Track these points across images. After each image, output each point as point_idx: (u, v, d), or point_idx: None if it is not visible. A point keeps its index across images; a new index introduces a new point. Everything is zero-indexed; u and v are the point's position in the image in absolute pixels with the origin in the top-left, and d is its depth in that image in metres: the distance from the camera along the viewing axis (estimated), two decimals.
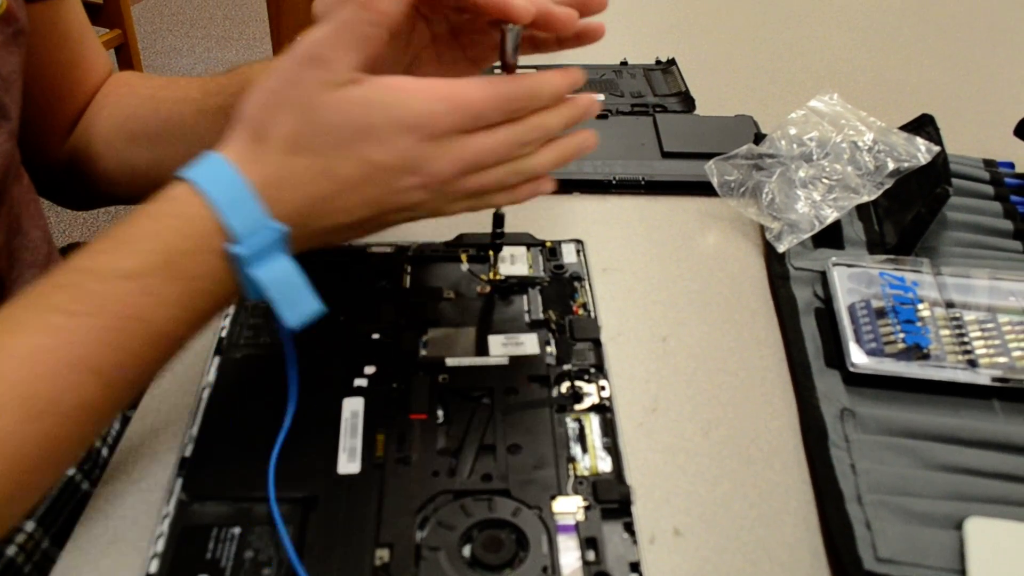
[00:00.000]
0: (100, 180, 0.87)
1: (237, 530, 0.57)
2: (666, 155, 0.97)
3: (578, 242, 0.82)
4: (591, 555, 0.56)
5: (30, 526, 0.71)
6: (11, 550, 0.70)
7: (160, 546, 0.56)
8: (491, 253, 0.78)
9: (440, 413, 0.65)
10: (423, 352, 0.70)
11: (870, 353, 0.69)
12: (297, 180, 0.57)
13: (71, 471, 0.76)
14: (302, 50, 0.57)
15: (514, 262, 0.78)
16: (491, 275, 0.77)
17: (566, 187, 0.93)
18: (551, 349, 0.70)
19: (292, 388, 0.63)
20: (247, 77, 0.79)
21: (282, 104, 0.58)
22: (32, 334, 0.53)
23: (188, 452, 0.62)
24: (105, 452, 0.80)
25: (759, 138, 0.93)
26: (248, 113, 0.59)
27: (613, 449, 0.62)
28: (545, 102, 0.61)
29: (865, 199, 0.83)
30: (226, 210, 0.56)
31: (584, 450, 0.62)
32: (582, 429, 0.64)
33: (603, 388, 0.67)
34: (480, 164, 0.59)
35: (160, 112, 0.84)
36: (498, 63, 0.63)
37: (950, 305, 0.73)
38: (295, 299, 0.58)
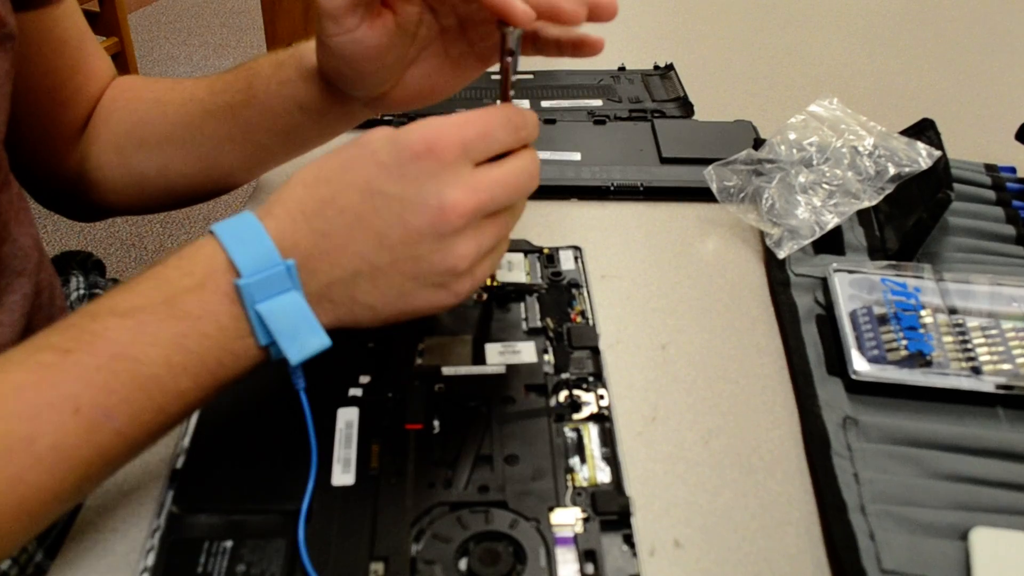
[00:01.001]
0: (107, 189, 0.86)
1: (229, 543, 0.56)
2: (665, 161, 0.96)
3: (576, 249, 0.82)
4: (590, 568, 0.55)
5: None
6: (4, 564, 0.69)
7: (151, 560, 0.55)
8: None
9: (436, 423, 0.64)
10: (419, 361, 0.69)
11: (872, 360, 0.69)
12: (306, 213, 0.56)
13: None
14: None
15: (511, 269, 0.77)
16: (488, 282, 0.76)
17: (564, 193, 0.92)
18: (549, 357, 0.69)
19: (312, 442, 0.60)
20: (253, 72, 0.79)
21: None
22: (18, 371, 0.51)
23: (179, 464, 0.61)
24: None
25: (758, 143, 0.92)
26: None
27: (612, 459, 0.62)
28: (532, 130, 0.60)
29: (866, 204, 0.82)
30: (233, 246, 0.54)
31: (583, 460, 0.61)
32: (580, 439, 0.63)
33: (602, 397, 0.66)
34: (496, 202, 0.57)
35: (168, 115, 0.83)
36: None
37: (953, 311, 0.73)
38: (299, 332, 0.55)
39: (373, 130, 0.57)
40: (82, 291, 0.97)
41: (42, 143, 0.84)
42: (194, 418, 0.64)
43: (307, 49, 0.74)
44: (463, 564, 0.55)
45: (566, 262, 0.80)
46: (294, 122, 0.78)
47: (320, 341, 0.56)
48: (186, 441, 0.63)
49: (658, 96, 1.10)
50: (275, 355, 0.56)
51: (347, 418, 0.64)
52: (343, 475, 0.60)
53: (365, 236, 0.55)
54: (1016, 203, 0.89)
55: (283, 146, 0.82)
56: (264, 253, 0.54)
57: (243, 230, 0.55)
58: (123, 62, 3.04)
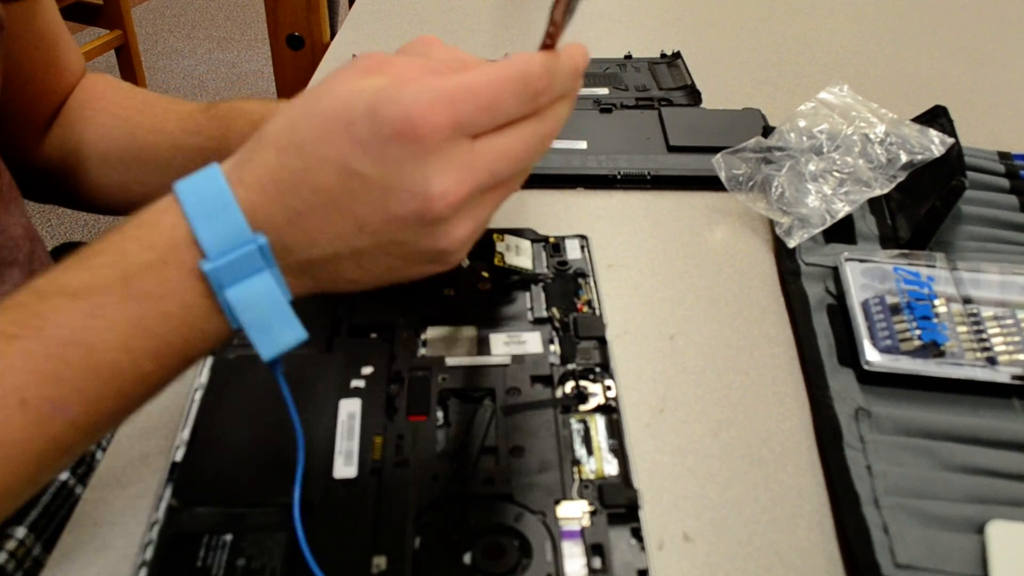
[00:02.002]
0: (84, 189, 0.86)
1: (229, 537, 0.55)
2: (672, 149, 0.95)
3: (582, 238, 0.81)
4: (597, 562, 0.54)
5: (21, 532, 0.69)
6: (1, 557, 0.68)
7: (149, 554, 0.54)
8: (494, 237, 0.77)
9: (440, 415, 0.63)
10: (422, 351, 0.68)
11: (885, 351, 0.67)
12: (279, 185, 0.49)
13: (64, 475, 0.74)
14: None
15: (519, 253, 0.76)
16: (494, 260, 0.75)
17: (570, 182, 0.91)
18: (555, 348, 0.69)
19: (297, 427, 0.55)
20: (227, 125, 0.78)
21: (304, 92, 0.52)
22: None
23: (178, 456, 0.60)
24: (100, 455, 0.79)
25: (767, 131, 0.91)
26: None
27: (620, 451, 0.61)
28: (565, 86, 0.51)
29: (877, 192, 0.81)
30: (198, 220, 0.48)
31: (589, 452, 0.60)
32: (587, 431, 0.62)
33: (609, 388, 0.65)
34: (497, 178, 0.50)
35: (136, 139, 0.82)
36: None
37: (967, 301, 0.71)
38: (272, 324, 0.49)
39: (353, 87, 0.49)
40: None
41: (11, 134, 0.83)
42: (193, 410, 0.63)
43: None
44: (467, 558, 0.54)
45: (572, 251, 0.79)
46: None
47: (295, 334, 0.50)
48: (185, 434, 0.61)
49: (665, 84, 1.09)
50: (234, 324, 0.50)
51: (349, 409, 0.63)
52: (345, 467, 0.59)
53: (343, 220, 0.49)
54: None
55: None
56: (233, 228, 0.48)
57: (210, 197, 0.48)
58: (127, 56, 3.04)
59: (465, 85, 0.47)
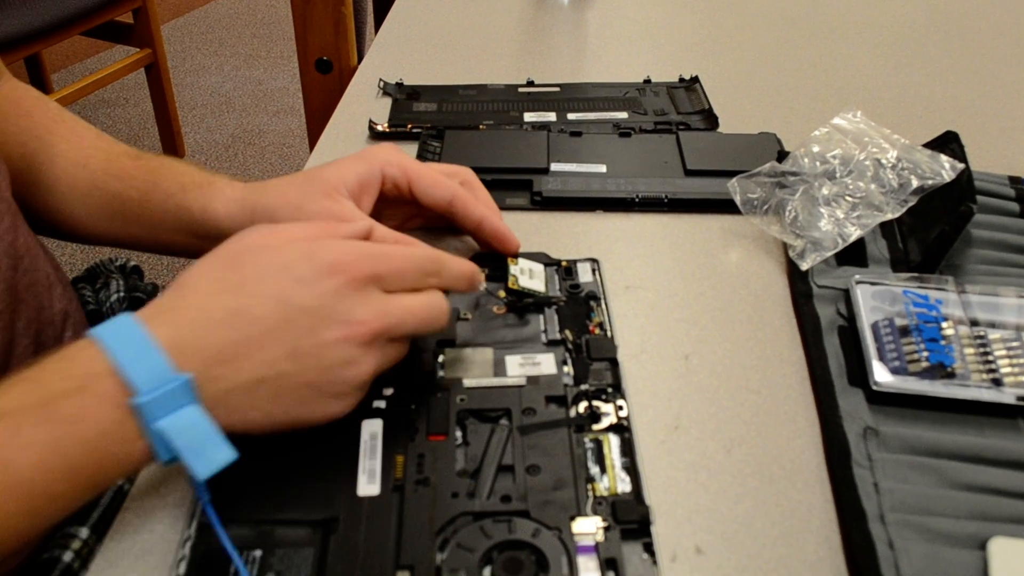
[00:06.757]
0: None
1: (258, 553, 0.57)
2: (689, 173, 0.97)
3: (594, 261, 0.82)
4: None
5: (84, 533, 0.72)
6: (67, 556, 0.70)
7: (182, 569, 0.56)
8: (508, 261, 0.79)
9: (458, 434, 0.65)
10: (441, 373, 0.70)
11: (894, 371, 0.69)
12: (213, 321, 0.56)
13: (120, 480, 0.76)
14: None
15: (532, 276, 0.78)
16: (508, 283, 0.77)
17: (590, 205, 0.93)
18: (568, 369, 0.70)
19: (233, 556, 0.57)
20: (154, 182, 0.80)
21: (214, 254, 0.60)
22: None
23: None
24: None
25: (782, 156, 0.93)
26: (184, 272, 0.60)
27: (632, 469, 0.62)
28: (447, 278, 0.66)
29: (889, 217, 0.83)
30: (125, 359, 0.53)
31: (603, 470, 0.62)
32: (600, 449, 0.64)
33: (620, 408, 0.67)
34: (401, 328, 0.61)
35: (56, 165, 0.83)
36: None
37: (975, 323, 0.73)
38: (205, 447, 0.55)
39: (284, 240, 0.61)
40: (121, 294, 0.98)
41: None
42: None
43: (218, 202, 0.77)
44: (487, 572, 0.56)
45: (584, 274, 0.81)
46: (176, 239, 0.80)
47: (226, 455, 0.56)
48: None
49: (683, 108, 1.11)
50: (162, 459, 0.55)
51: (371, 429, 0.65)
52: (368, 485, 0.61)
53: (276, 345, 0.57)
54: None
55: (156, 246, 0.83)
56: (158, 367, 0.54)
57: (130, 342, 0.54)
58: (156, 73, 3.07)
59: (383, 251, 0.61)
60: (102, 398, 0.53)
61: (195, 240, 0.79)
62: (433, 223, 0.76)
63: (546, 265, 0.81)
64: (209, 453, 0.55)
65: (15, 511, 0.51)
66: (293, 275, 0.58)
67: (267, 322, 0.57)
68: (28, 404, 0.52)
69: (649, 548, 0.57)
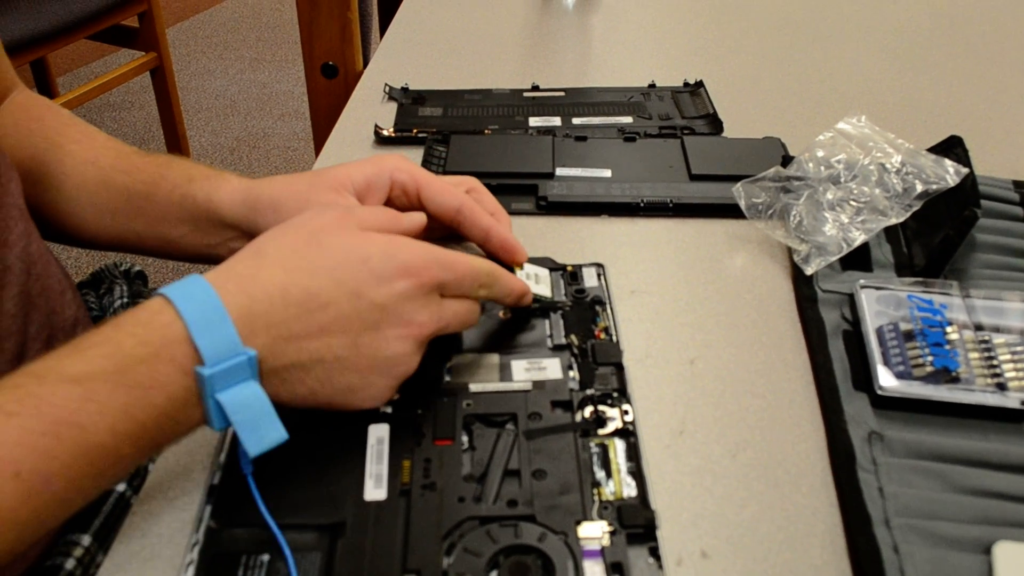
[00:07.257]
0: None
1: (266, 557, 0.57)
2: (694, 178, 0.97)
3: (599, 266, 0.83)
4: None
5: (86, 540, 0.72)
6: (69, 563, 0.71)
7: (190, 573, 0.56)
8: (514, 267, 0.79)
9: (465, 439, 0.65)
10: (447, 378, 0.70)
11: (898, 376, 0.69)
12: (287, 299, 0.59)
13: (121, 487, 0.77)
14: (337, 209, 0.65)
15: (538, 281, 0.78)
16: None
17: (595, 210, 0.93)
18: (574, 374, 0.70)
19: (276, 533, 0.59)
20: (166, 166, 0.80)
21: (292, 226, 0.63)
22: None
23: (216, 479, 0.62)
24: (151, 467, 0.81)
25: (787, 160, 0.93)
26: (259, 238, 0.63)
27: (637, 473, 0.63)
28: (495, 290, 0.69)
29: (893, 221, 0.83)
30: (197, 329, 0.55)
31: (608, 475, 0.62)
32: (606, 454, 0.64)
33: (626, 412, 0.67)
34: (446, 329, 0.65)
35: (65, 165, 0.84)
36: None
37: (979, 328, 0.73)
38: (260, 425, 0.57)
39: (358, 224, 0.64)
40: (126, 299, 0.99)
41: None
42: (229, 433, 0.65)
43: (223, 191, 0.78)
44: None
45: (589, 279, 0.81)
46: (179, 231, 0.80)
47: (279, 434, 0.58)
48: (222, 457, 0.64)
49: (688, 113, 1.11)
50: (216, 427, 0.58)
51: (378, 434, 0.65)
52: (375, 490, 0.61)
53: (342, 333, 0.60)
54: None
55: (159, 242, 0.83)
56: (227, 339, 0.56)
57: (207, 310, 0.56)
58: (161, 77, 3.07)
59: (453, 259, 0.64)
60: (174, 365, 0.55)
61: (198, 231, 0.79)
62: (436, 234, 0.77)
63: (552, 270, 0.81)
64: (263, 431, 0.57)
65: (87, 472, 0.53)
66: (371, 270, 0.60)
67: (338, 310, 0.59)
68: (104, 369, 0.53)
69: (655, 552, 0.58)
